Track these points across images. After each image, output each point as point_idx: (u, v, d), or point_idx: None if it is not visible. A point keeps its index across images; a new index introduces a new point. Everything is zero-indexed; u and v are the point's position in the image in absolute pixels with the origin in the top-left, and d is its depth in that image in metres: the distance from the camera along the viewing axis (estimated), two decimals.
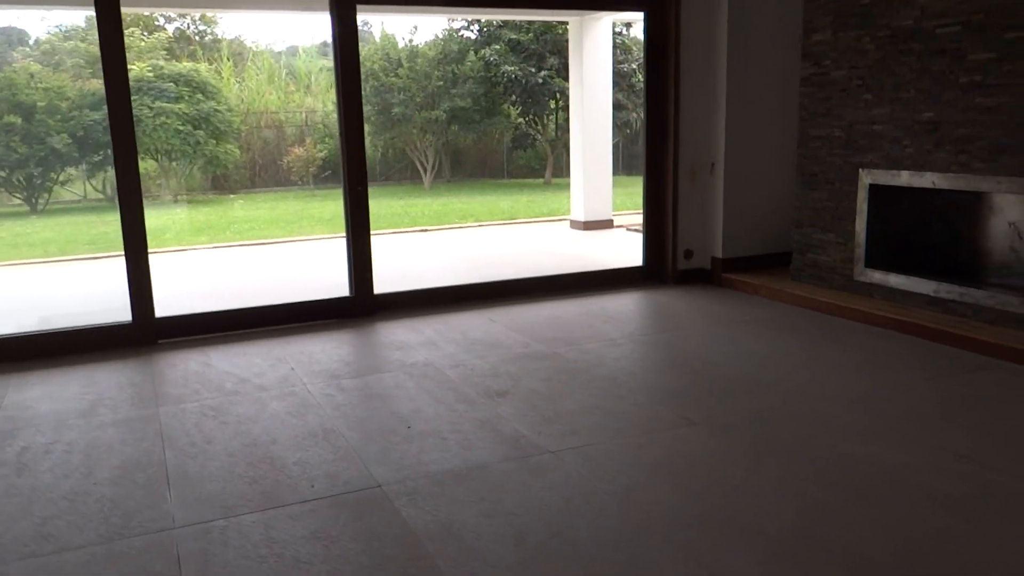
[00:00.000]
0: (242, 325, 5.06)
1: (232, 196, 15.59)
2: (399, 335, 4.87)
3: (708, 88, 5.78)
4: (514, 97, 16.56)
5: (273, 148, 16.93)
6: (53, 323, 5.49)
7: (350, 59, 5.05)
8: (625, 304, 5.57)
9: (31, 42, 19.98)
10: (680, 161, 5.85)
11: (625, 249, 7.81)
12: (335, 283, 5.59)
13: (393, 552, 2.46)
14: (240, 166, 16.58)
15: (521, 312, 5.36)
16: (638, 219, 9.95)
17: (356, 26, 5.07)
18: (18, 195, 14.96)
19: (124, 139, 4.59)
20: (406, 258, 8.11)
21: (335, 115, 16.99)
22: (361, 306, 5.31)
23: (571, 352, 4.43)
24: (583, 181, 9.35)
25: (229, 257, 8.72)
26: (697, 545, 2.45)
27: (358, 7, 5.00)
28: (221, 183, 16.37)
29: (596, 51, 9.23)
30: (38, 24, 20.97)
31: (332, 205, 13.30)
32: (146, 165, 14.94)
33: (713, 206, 5.92)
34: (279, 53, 19.61)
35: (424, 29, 18.27)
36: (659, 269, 6.09)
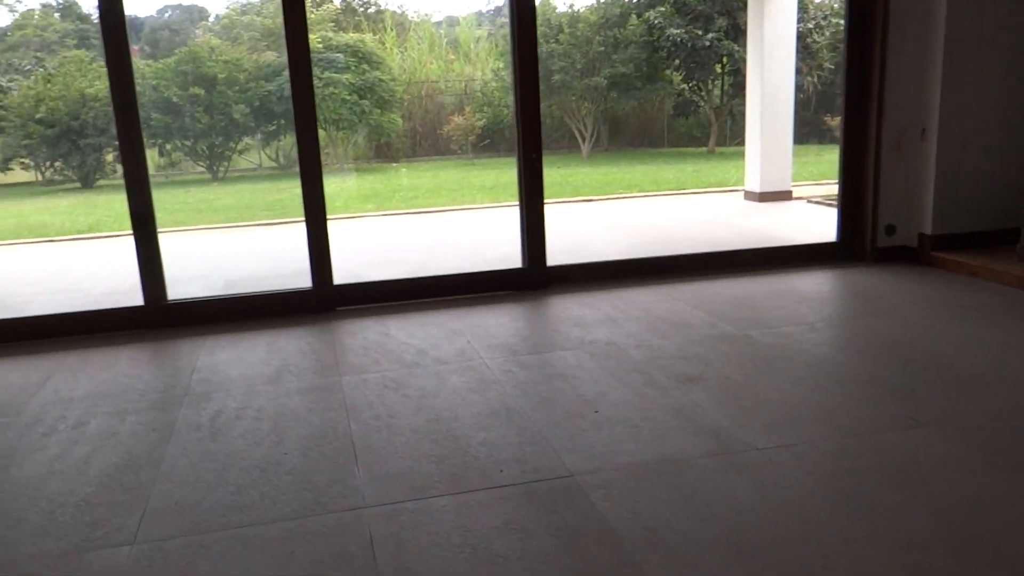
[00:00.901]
0: (417, 294, 5.01)
1: (395, 165, 15.93)
2: (575, 310, 4.66)
3: (922, 43, 5.14)
4: (677, 62, 15.89)
5: (433, 117, 17.15)
6: (237, 287, 5.69)
7: (527, 24, 4.83)
8: (819, 284, 5.10)
9: (211, 18, 21.19)
10: (884, 128, 5.25)
11: (810, 223, 7.24)
12: (504, 254, 5.46)
13: (595, 553, 2.25)
14: (402, 135, 16.92)
15: (703, 289, 5.01)
16: (819, 190, 9.29)
17: None
18: (201, 163, 15.95)
19: (305, 109, 4.60)
20: (573, 229, 7.88)
21: (494, 84, 16.88)
22: (534, 278, 5.14)
23: (765, 335, 4.07)
24: (760, 149, 8.76)
25: (397, 225, 8.82)
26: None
27: None
28: (384, 152, 16.77)
29: (779, 9, 8.56)
30: (218, 1, 22.13)
31: (492, 174, 13.30)
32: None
33: (923, 176, 5.30)
34: (439, 23, 19.79)
35: None
36: (856, 246, 5.54)
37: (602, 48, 15.71)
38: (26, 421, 3.36)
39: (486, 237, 7.81)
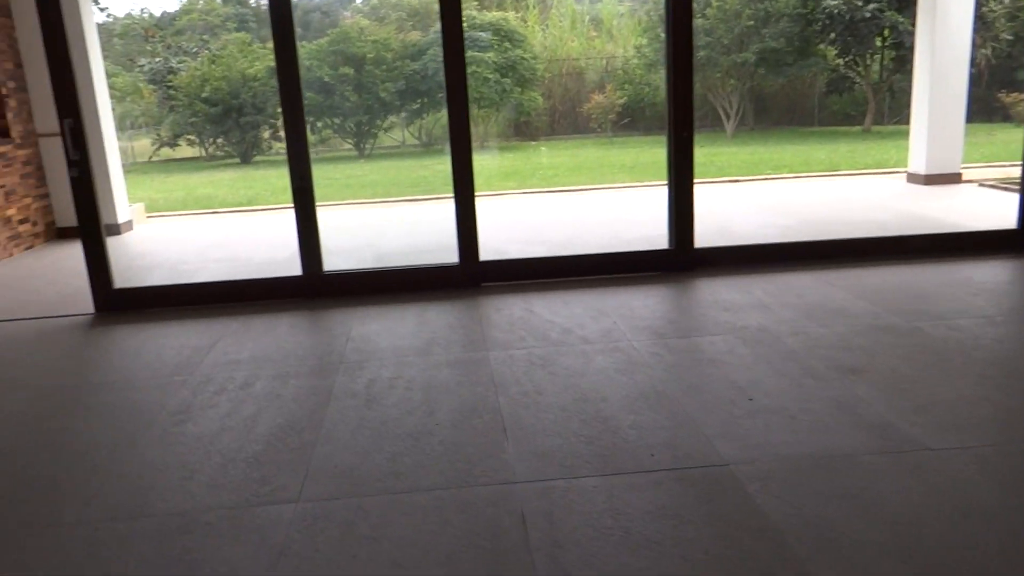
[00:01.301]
0: (560, 273, 5.00)
1: (533, 143, 15.97)
2: (724, 294, 4.51)
3: None
4: (833, 35, 15.04)
5: (573, 95, 17.05)
6: (385, 261, 5.86)
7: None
8: (997, 274, 4.70)
9: (359, 0, 21.87)
10: None
11: (983, 208, 6.70)
12: (646, 235, 5.35)
13: (754, 547, 2.17)
14: (541, 113, 16.92)
15: (864, 276, 4.73)
16: (992, 173, 8.57)
17: None
18: (349, 140, 16.56)
19: (457, 87, 4.64)
20: (719, 211, 7.63)
21: (635, 61, 16.51)
22: (681, 260, 5.01)
23: (936, 328, 3.79)
24: (927, 128, 8.15)
25: (537, 203, 8.84)
26: None
27: None
28: (523, 130, 16.84)
29: None
30: None
31: (632, 153, 13.09)
32: None
33: None
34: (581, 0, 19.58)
35: None
36: None
37: (751, 22, 15.09)
38: (199, 380, 3.59)
39: (628, 217, 7.68)
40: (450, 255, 4.97)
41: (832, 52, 15.63)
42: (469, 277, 4.90)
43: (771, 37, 14.92)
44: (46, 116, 7.32)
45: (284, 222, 8.04)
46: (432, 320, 4.32)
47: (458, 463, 2.69)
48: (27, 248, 7.08)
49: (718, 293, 4.54)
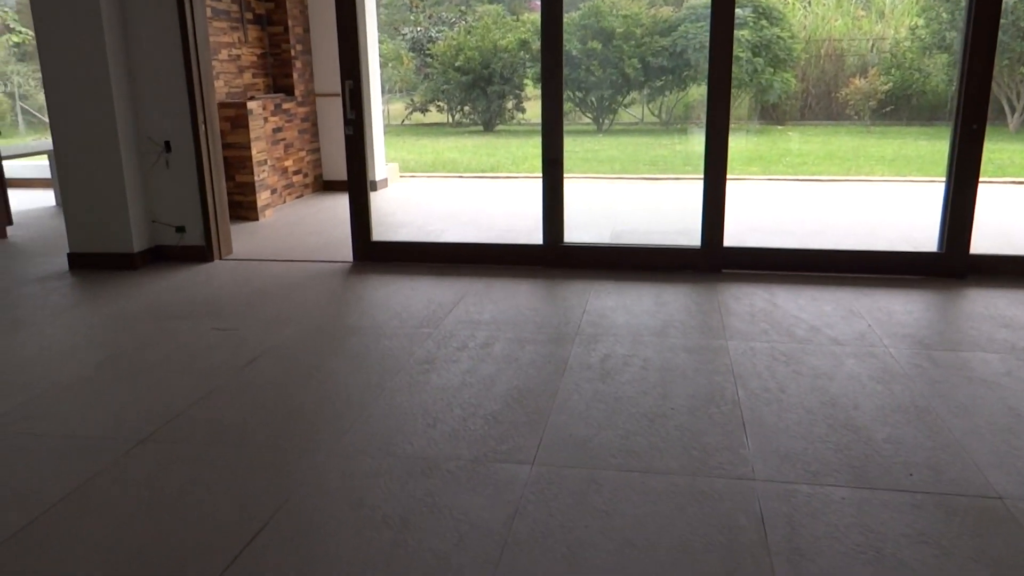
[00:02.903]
0: (807, 267, 4.70)
1: (781, 127, 15.16)
2: (1003, 308, 4.02)
3: None
4: None
5: (830, 78, 15.92)
6: (623, 238, 5.83)
7: None
8: None
9: None
10: None
11: None
12: (907, 236, 4.87)
13: None
14: (791, 96, 15.98)
15: None
16: None
17: None
18: (589, 115, 16.64)
19: (721, 66, 4.48)
20: (1000, 215, 6.79)
21: (907, 44, 15.05)
22: (951, 266, 4.53)
23: None
24: None
25: (782, 191, 8.39)
26: None
27: None
28: (769, 113, 16.01)
29: None
30: None
31: (894, 144, 12.03)
32: (700, 91, 15.33)
33: None
34: None
35: None
36: None
37: None
38: (443, 334, 3.77)
39: (886, 213, 7.07)
40: (686, 238, 4.84)
41: None
42: (710, 262, 4.74)
43: None
44: (324, 78, 8.01)
45: (524, 191, 8.26)
46: (670, 302, 4.23)
47: (693, 451, 2.62)
48: (297, 197, 7.83)
49: (995, 306, 4.05)
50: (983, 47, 4.23)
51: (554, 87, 4.66)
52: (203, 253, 5.23)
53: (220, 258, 5.30)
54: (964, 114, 4.33)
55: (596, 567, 2.02)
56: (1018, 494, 2.34)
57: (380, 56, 9.37)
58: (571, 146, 13.07)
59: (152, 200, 5.19)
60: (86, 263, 5.12)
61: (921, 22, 14.75)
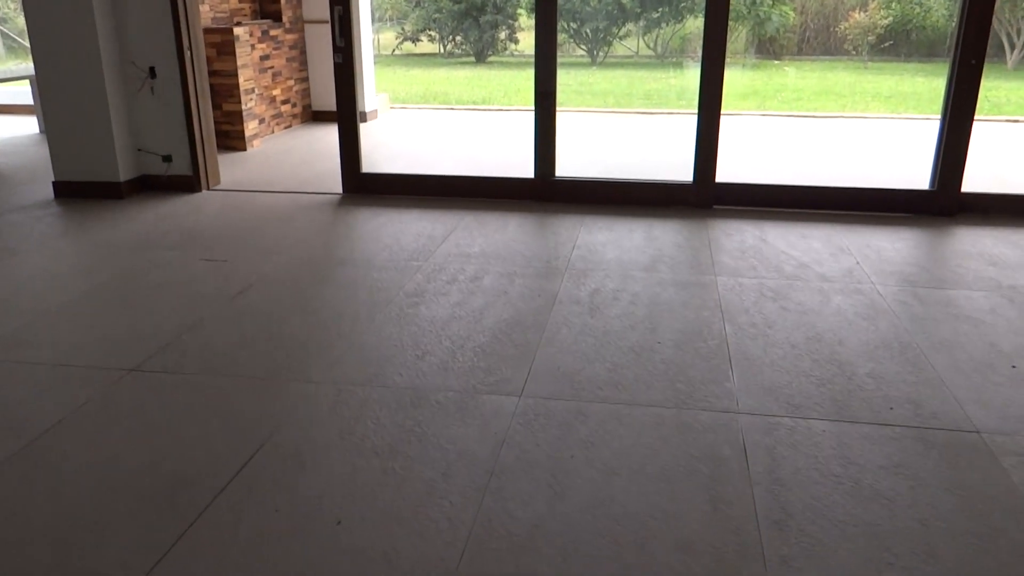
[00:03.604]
0: (798, 204, 4.69)
1: (777, 62, 14.94)
2: (991, 247, 4.03)
3: None
4: None
5: (829, 12, 15.62)
6: (615, 172, 5.78)
7: None
8: None
9: None
10: None
11: None
12: (899, 172, 4.86)
13: (1004, 526, 1.97)
14: (789, 30, 15.70)
15: None
16: None
17: None
18: (583, 47, 16.33)
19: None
20: (995, 153, 6.75)
21: None
22: (942, 204, 4.53)
23: None
24: None
25: (776, 126, 8.31)
26: None
27: None
28: (766, 47, 15.74)
29: None
30: None
31: (891, 81, 11.90)
32: (697, 23, 15.02)
33: None
34: None
35: None
36: None
37: None
38: (433, 267, 3.77)
39: (881, 151, 7.03)
40: (678, 173, 4.81)
41: None
42: (702, 198, 4.72)
43: None
44: (313, 3, 7.80)
45: (516, 124, 8.16)
46: (660, 237, 4.23)
47: (679, 384, 2.65)
48: (286, 128, 7.71)
49: (984, 245, 4.07)
50: None
51: (548, 17, 4.56)
52: (190, 183, 5.17)
53: (208, 188, 5.24)
54: (963, 48, 4.27)
55: (581, 494, 2.07)
56: (994, 428, 2.39)
57: None
58: (564, 79, 12.84)
59: (137, 128, 5.10)
60: (72, 192, 5.06)
61: None
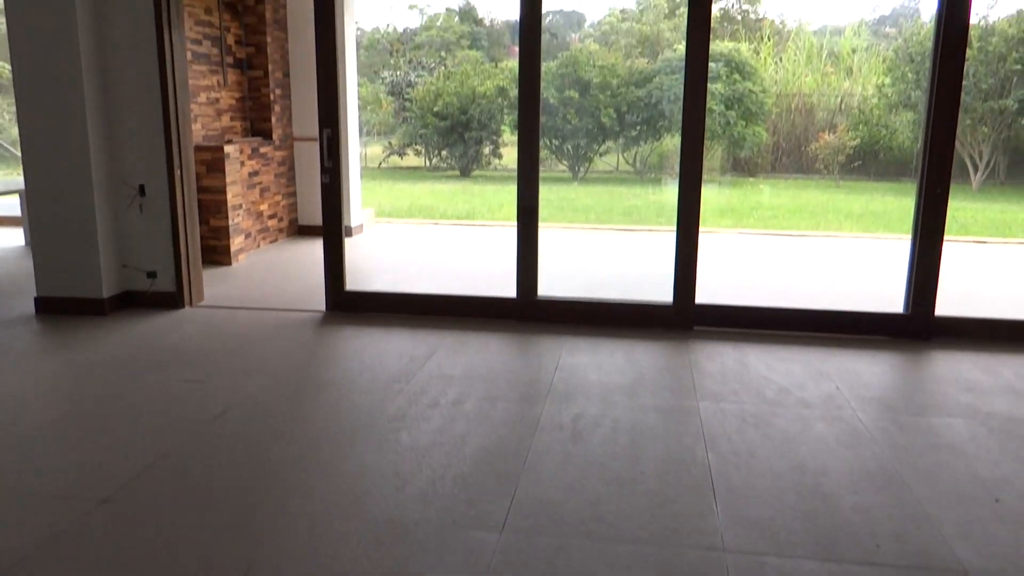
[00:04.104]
0: (779, 325, 4.76)
1: (752, 179, 15.44)
2: (967, 372, 4.08)
3: None
4: None
5: (800, 132, 16.29)
6: (596, 291, 5.86)
7: (954, 41, 4.32)
8: None
9: (587, 24, 22.28)
10: None
11: None
12: (877, 293, 4.96)
13: None
14: (763, 149, 16.31)
15: None
16: None
17: (968, 4, 4.31)
18: (564, 162, 16.84)
19: (694, 116, 4.57)
20: (965, 274, 6.94)
21: (874, 101, 15.44)
22: (917, 328, 4.61)
23: None
24: None
25: (754, 244, 8.51)
26: None
27: None
28: (741, 165, 16.31)
29: None
30: (596, 6, 22.97)
31: (861, 199, 12.30)
32: (674, 141, 15.59)
33: None
34: (819, 31, 18.73)
35: (1008, 2, 15.69)
36: None
37: (1018, 66, 13.69)
38: (415, 390, 3.76)
39: (855, 271, 7.20)
40: (659, 292, 4.88)
41: None
42: (682, 318, 4.78)
43: None
44: (303, 121, 8.05)
45: (499, 239, 8.30)
46: (641, 359, 4.25)
47: (663, 519, 2.61)
48: (271, 242, 7.80)
49: (959, 370, 4.12)
50: (946, 115, 4.36)
51: (531, 135, 4.72)
52: (174, 300, 5.18)
53: (191, 305, 5.25)
54: (928, 177, 4.45)
55: None
56: (981, 566, 2.36)
57: (359, 99, 9.45)
58: (547, 194, 13.19)
59: (124, 244, 5.15)
60: (54, 308, 5.05)
61: (887, 81, 15.21)
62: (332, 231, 5.02)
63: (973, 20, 14.60)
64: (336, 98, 4.88)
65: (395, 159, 18.80)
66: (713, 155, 15.60)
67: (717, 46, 15.33)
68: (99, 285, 5.01)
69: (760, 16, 18.86)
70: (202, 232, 6.44)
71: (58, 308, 5.04)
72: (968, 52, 12.75)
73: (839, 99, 16.52)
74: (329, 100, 4.87)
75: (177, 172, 5.05)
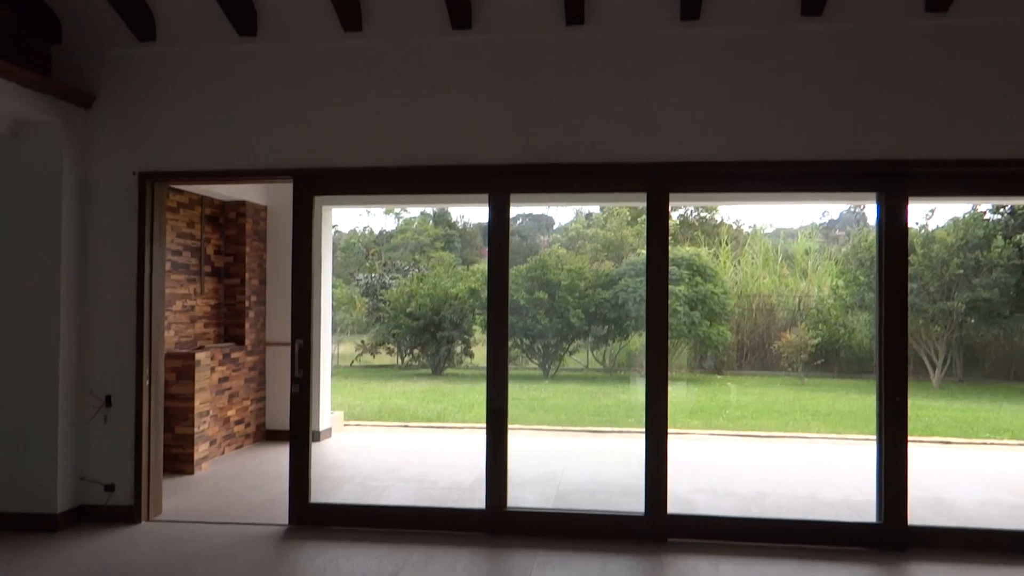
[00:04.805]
0: (753, 536, 4.68)
1: (720, 377, 15.68)
2: None
3: None
4: None
5: (763, 331, 16.79)
6: (568, 499, 5.76)
7: (895, 255, 4.62)
8: None
9: (555, 227, 23.43)
10: None
11: None
12: (848, 499, 4.93)
13: None
14: (728, 348, 16.71)
15: None
16: None
17: (905, 217, 4.65)
18: (535, 361, 17.05)
19: (658, 320, 4.73)
20: (933, 478, 6.95)
21: (831, 301, 16.07)
22: (891, 539, 4.55)
23: None
24: None
25: (724, 447, 8.50)
26: None
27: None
28: (708, 363, 16.64)
29: None
30: (563, 211, 24.21)
31: (826, 398, 12.48)
32: (642, 339, 15.96)
33: None
34: (775, 235, 19.83)
35: (943, 212, 16.84)
36: None
37: (960, 271, 14.48)
38: None
39: (825, 475, 7.17)
40: (631, 499, 4.81)
41: None
42: (655, 531, 4.69)
43: (983, 287, 14.19)
44: (276, 327, 8.16)
45: (469, 443, 8.22)
46: None
47: None
48: (237, 447, 7.65)
49: None
50: (896, 326, 4.57)
51: (499, 338, 4.84)
52: (131, 513, 4.99)
53: (148, 519, 5.05)
54: (886, 383, 4.57)
55: None
56: None
57: (333, 300, 9.66)
58: (517, 392, 13.25)
59: (83, 456, 5.03)
60: (1, 524, 4.83)
61: (841, 283, 15.94)
62: (299, 442, 4.97)
63: (914, 227, 15.57)
64: (310, 308, 5.01)
65: (367, 357, 18.92)
66: (680, 353, 15.94)
67: (677, 251, 16.11)
68: (53, 499, 4.84)
69: (717, 222, 20.00)
70: (166, 440, 6.32)
71: (5, 524, 4.83)
72: (913, 257, 13.53)
73: (797, 299, 17.21)
74: (303, 310, 5.00)
75: (146, 383, 5.05)
